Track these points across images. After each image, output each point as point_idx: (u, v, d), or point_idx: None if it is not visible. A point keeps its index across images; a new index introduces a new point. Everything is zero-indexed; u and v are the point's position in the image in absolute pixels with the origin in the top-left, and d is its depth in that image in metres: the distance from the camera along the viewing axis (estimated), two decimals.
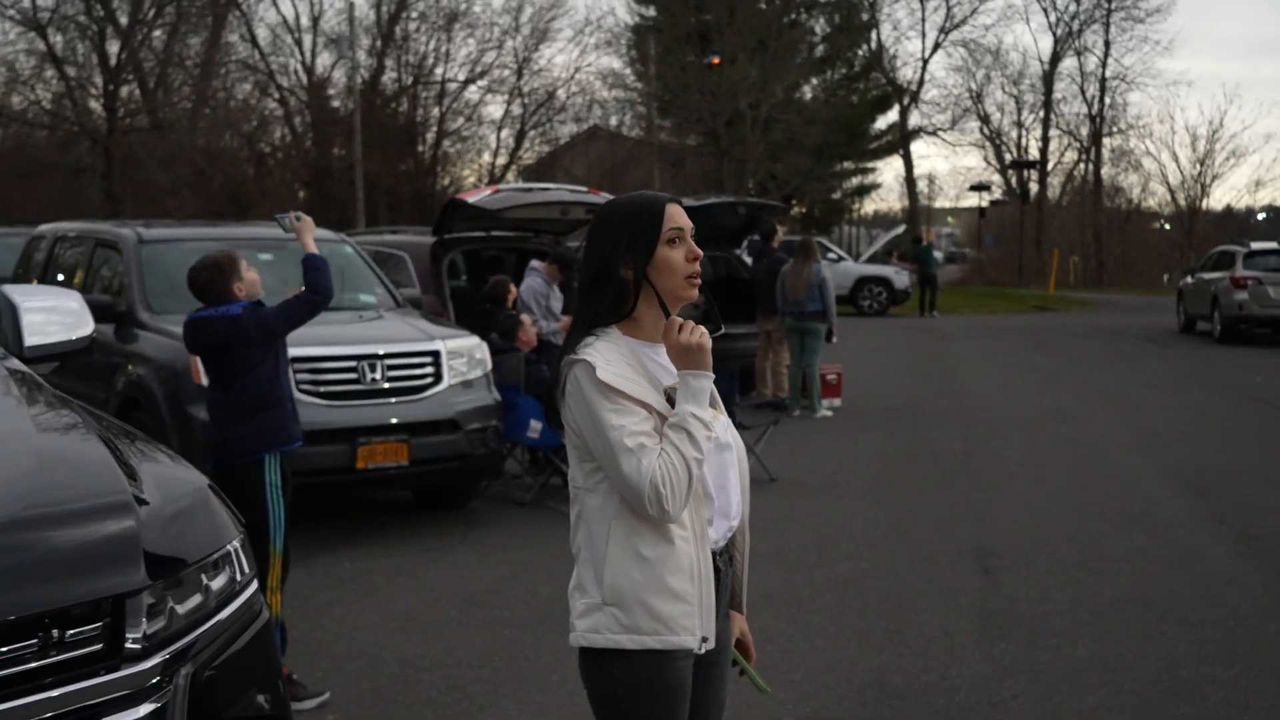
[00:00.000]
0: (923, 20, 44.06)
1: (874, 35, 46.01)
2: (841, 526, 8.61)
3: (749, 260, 15.65)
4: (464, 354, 8.49)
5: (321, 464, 7.73)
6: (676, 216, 2.82)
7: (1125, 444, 12.05)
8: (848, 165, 46.80)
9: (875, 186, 51.86)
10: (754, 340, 14.30)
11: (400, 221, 32.67)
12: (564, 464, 9.44)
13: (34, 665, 2.15)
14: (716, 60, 36.57)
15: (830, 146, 39.12)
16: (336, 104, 41.76)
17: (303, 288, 5.46)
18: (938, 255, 33.78)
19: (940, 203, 76.57)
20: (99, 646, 2.25)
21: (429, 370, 8.24)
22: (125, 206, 33.11)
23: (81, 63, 36.73)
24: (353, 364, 7.92)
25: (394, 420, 7.96)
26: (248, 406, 5.26)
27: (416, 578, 7.34)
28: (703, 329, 2.76)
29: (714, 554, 2.87)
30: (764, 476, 9.93)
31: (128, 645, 2.29)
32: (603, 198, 12.16)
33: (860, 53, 45.96)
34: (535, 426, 9.01)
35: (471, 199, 11.15)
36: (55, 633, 2.19)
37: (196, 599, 2.48)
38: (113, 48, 36.18)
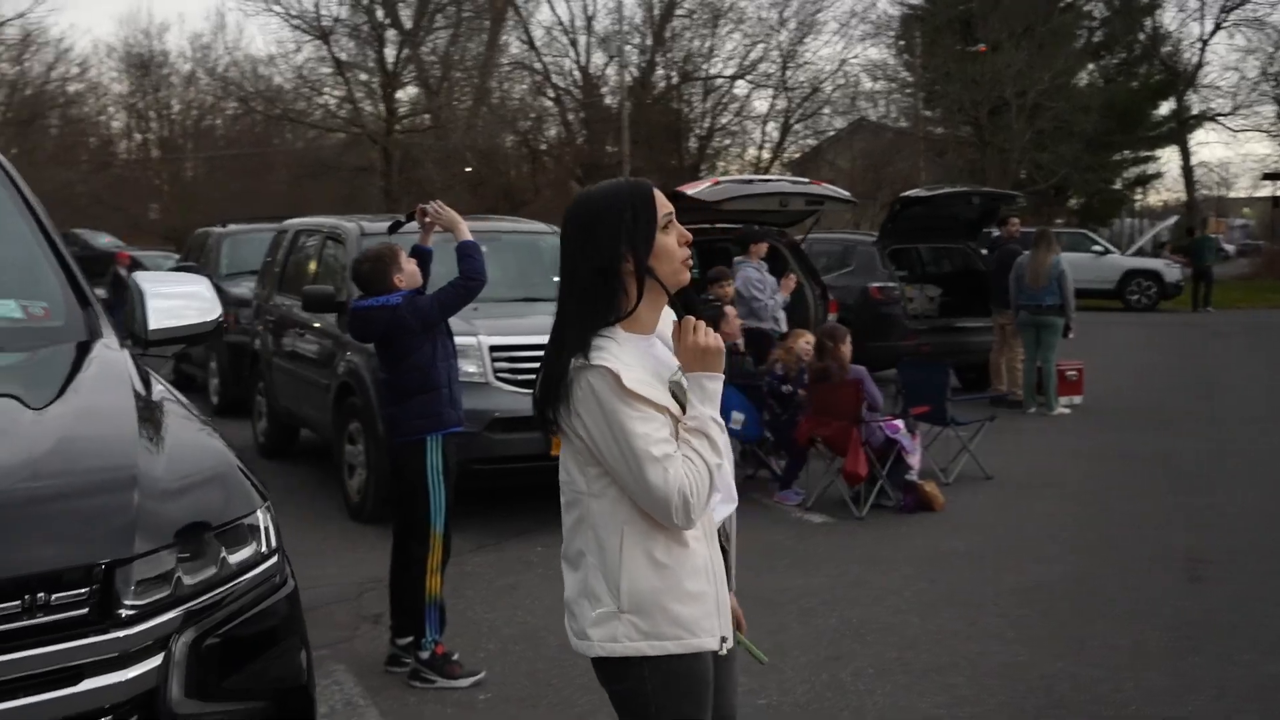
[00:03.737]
0: (1202, 1, 41.60)
1: (1150, 20, 43.73)
2: (1047, 528, 8.27)
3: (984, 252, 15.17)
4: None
5: (518, 451, 7.93)
6: (664, 201, 2.75)
7: None
8: (1127, 154, 44.74)
9: (1156, 176, 49.27)
10: (987, 334, 13.86)
11: None
12: (769, 456, 9.43)
13: (18, 625, 2.30)
14: (983, 49, 35.56)
15: (1105, 135, 37.46)
16: (609, 101, 42.55)
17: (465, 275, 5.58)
18: (1228, 248, 31.70)
19: (1235, 192, 72.23)
20: (86, 611, 2.38)
21: None
22: (402, 204, 34.66)
23: (368, 67, 38.63)
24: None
25: None
26: (407, 389, 5.46)
27: None
28: (716, 332, 2.70)
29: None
30: (978, 474, 9.63)
31: (119, 611, 2.42)
32: (826, 189, 12.04)
33: (1140, 36, 43.79)
34: (737, 418, 8.97)
35: (690, 191, 11.22)
36: (42, 596, 2.34)
37: (210, 570, 2.60)
38: (391, 53, 37.93)
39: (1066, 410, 13.06)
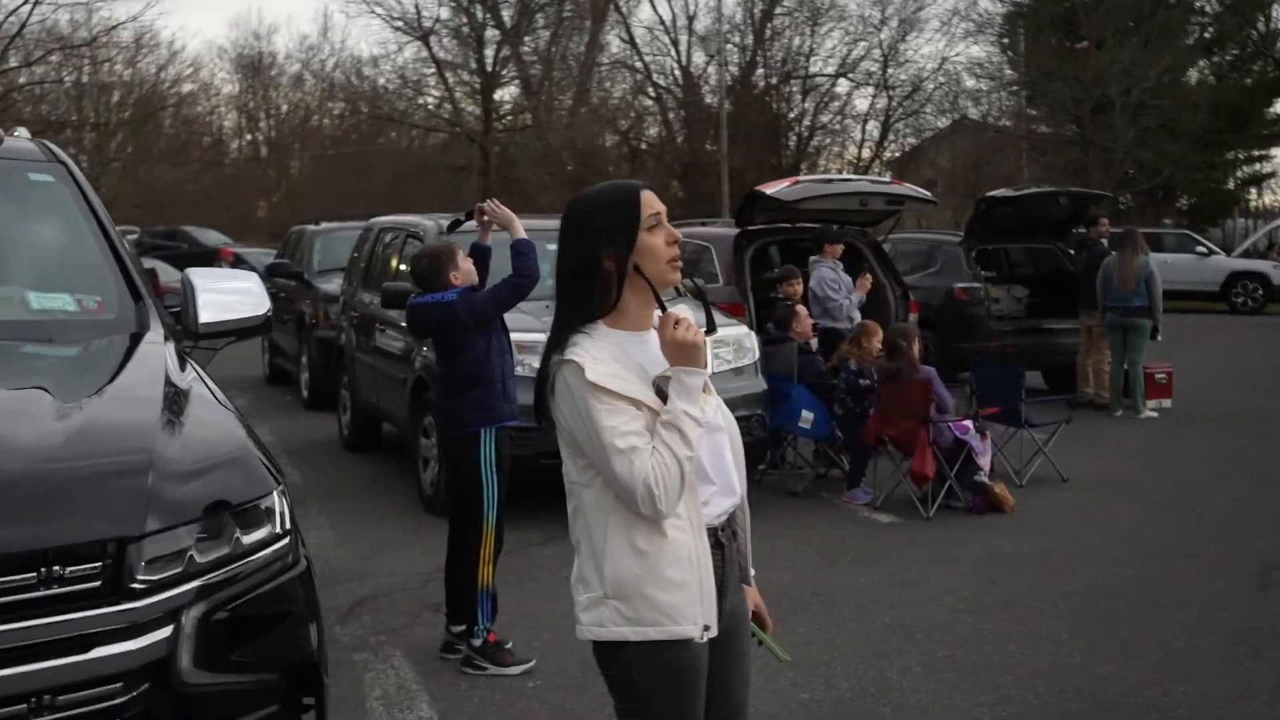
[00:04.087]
0: None
1: (1264, 16, 42.54)
2: (1120, 531, 8.18)
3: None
4: (730, 342, 8.61)
5: None
6: (652, 202, 2.83)
7: None
8: (1239, 154, 43.58)
9: (1270, 176, 47.91)
10: (1075, 336, 13.68)
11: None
12: (839, 455, 9.43)
13: (33, 595, 2.47)
14: (1088, 46, 34.93)
15: (1215, 133, 36.56)
16: (710, 100, 42.59)
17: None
18: None
19: None
20: (98, 584, 2.55)
21: None
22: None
23: (468, 67, 39.14)
24: None
25: None
26: (461, 383, 5.60)
27: None
28: (697, 326, 2.75)
29: (718, 530, 2.88)
30: (1054, 477, 9.54)
31: (130, 585, 2.58)
32: (907, 189, 11.99)
33: (1253, 33, 42.66)
34: (807, 417, 9.01)
35: (768, 190, 11.24)
36: (58, 569, 2.51)
37: (224, 549, 2.75)
38: (490, 53, 38.38)
39: (1154, 414, 12.84)
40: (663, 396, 2.77)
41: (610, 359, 2.72)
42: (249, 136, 51.00)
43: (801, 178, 12.09)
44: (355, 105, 41.65)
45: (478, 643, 5.61)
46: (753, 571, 3.15)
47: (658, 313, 2.88)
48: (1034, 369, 13.98)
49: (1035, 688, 5.39)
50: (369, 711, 5.17)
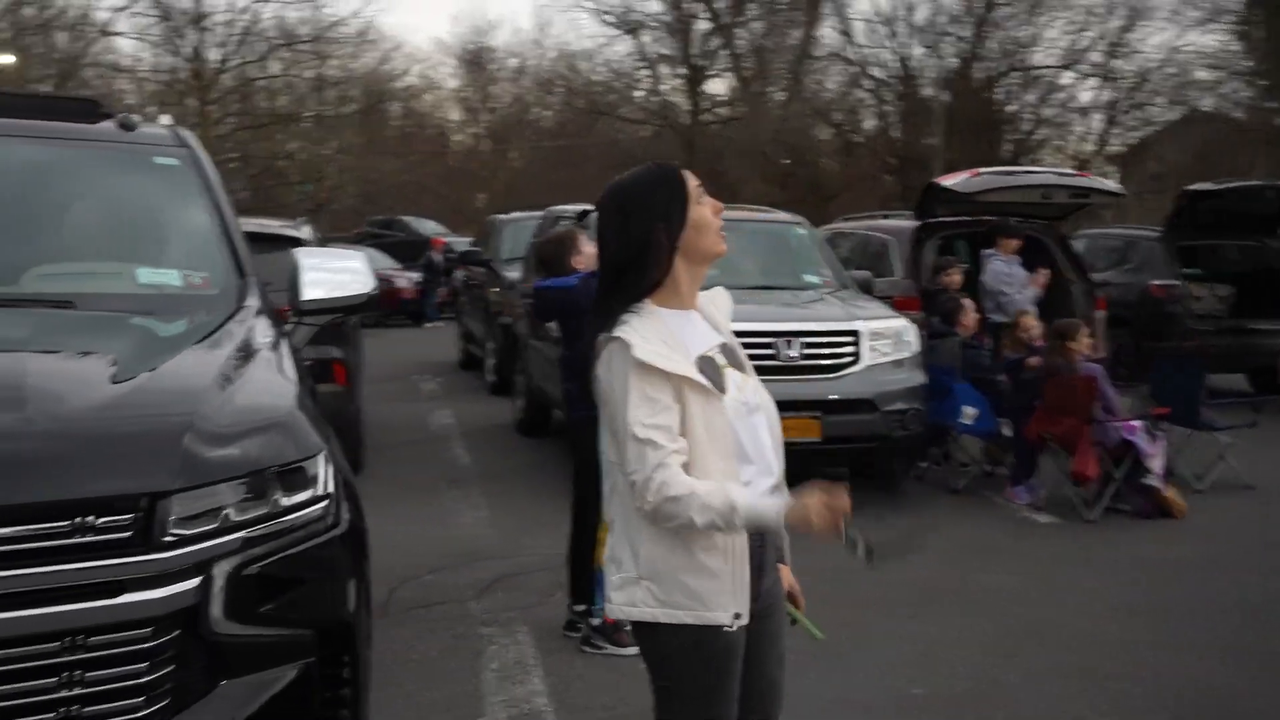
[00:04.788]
0: None
1: None
2: None
3: None
4: (889, 335, 8.49)
5: None
6: (692, 177, 2.86)
7: None
8: None
9: None
10: (1278, 337, 12.97)
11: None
12: (1006, 452, 9.19)
13: (66, 543, 2.66)
14: None
15: None
16: (928, 92, 41.82)
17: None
18: None
19: None
20: (129, 534, 2.71)
21: (848, 350, 8.32)
22: None
23: (677, 59, 39.41)
24: (768, 340, 8.15)
25: (806, 396, 8.10)
26: (580, 367, 5.66)
27: (803, 550, 7.43)
28: (846, 508, 2.70)
29: None
30: (1238, 482, 9.09)
31: (163, 538, 2.73)
32: (1094, 182, 11.58)
33: None
34: (969, 412, 8.80)
35: (947, 182, 11.02)
36: (91, 519, 2.68)
37: (262, 508, 2.88)
38: (698, 45, 38.55)
39: None
40: (705, 374, 2.79)
41: (657, 339, 2.75)
42: (471, 130, 52.42)
43: (982, 170, 11.78)
44: (571, 100, 42.38)
45: (596, 622, 5.69)
46: (789, 553, 3.13)
47: (725, 297, 3.05)
48: (1235, 370, 13.34)
49: (1164, 701, 5.16)
50: (483, 682, 5.30)
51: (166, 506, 2.73)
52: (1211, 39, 49.96)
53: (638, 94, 40.50)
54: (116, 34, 34.02)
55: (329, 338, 9.09)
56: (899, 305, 10.64)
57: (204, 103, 31.17)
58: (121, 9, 32.71)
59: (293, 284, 4.22)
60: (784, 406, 8.58)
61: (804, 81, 42.15)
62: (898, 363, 8.49)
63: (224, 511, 2.81)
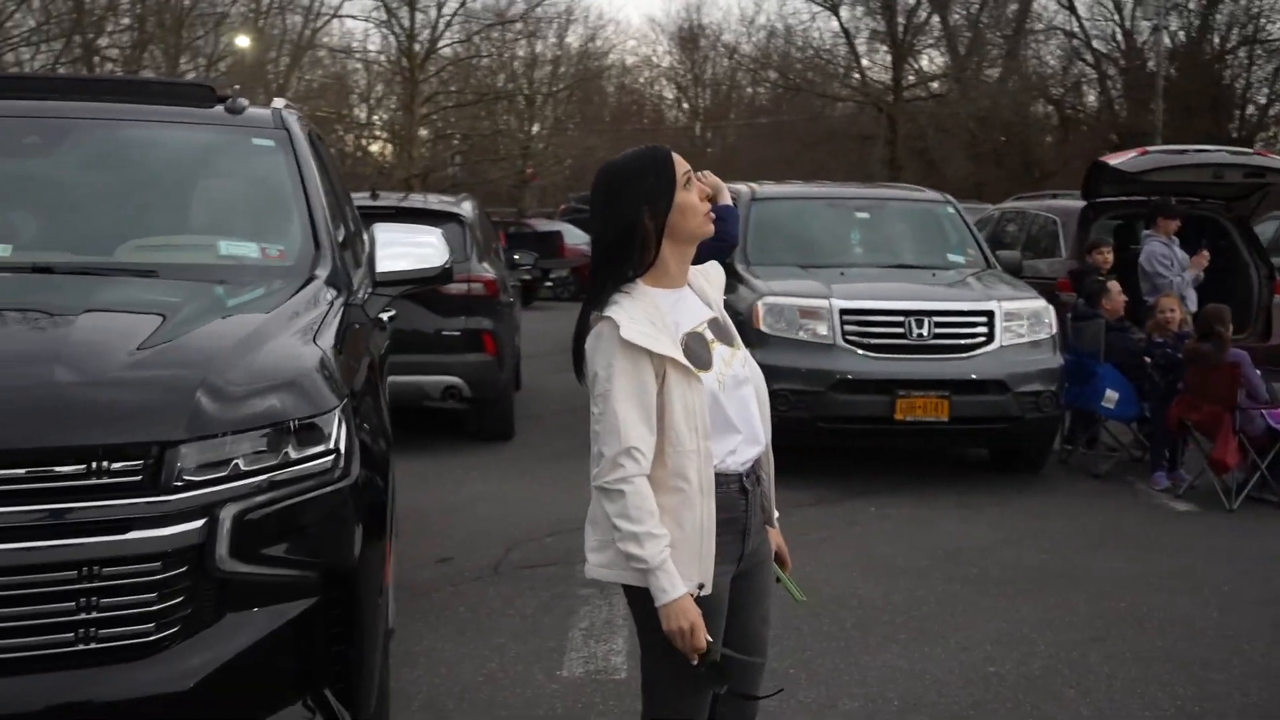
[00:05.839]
0: None
1: None
2: None
3: None
4: (1025, 316, 8.41)
5: (861, 412, 8.15)
6: (681, 162, 3.01)
7: None
8: None
9: None
10: None
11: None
12: (1146, 439, 8.99)
13: (81, 484, 2.98)
14: None
15: None
16: (1152, 66, 40.17)
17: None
18: None
19: None
20: (139, 479, 3.01)
21: (981, 330, 8.28)
22: (904, 173, 34.76)
23: (880, 35, 38.96)
24: (899, 319, 8.19)
25: (935, 376, 8.11)
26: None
27: (923, 526, 7.49)
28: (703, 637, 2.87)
29: (743, 476, 3.04)
30: None
31: (172, 484, 3.03)
32: (1273, 160, 11.12)
33: None
34: (1111, 396, 8.64)
35: (1113, 161, 10.75)
36: (106, 464, 2.99)
37: (271, 459, 3.16)
38: (902, 20, 37.99)
39: None
40: (689, 353, 2.97)
41: (645, 319, 2.91)
42: (686, 107, 52.77)
43: (1151, 148, 11.42)
44: (784, 76, 42.26)
45: None
46: (776, 514, 3.26)
47: (718, 272, 3.24)
48: None
49: (1248, 688, 5.08)
50: (569, 640, 5.56)
51: (176, 454, 3.03)
52: None
53: (840, 70, 40.13)
54: (347, 16, 35.36)
55: (482, 310, 9.51)
56: (1061, 287, 10.48)
57: (415, 81, 32.20)
58: None
59: (369, 257, 4.53)
60: (913, 385, 8.61)
61: (1021, 56, 41.01)
62: (1034, 344, 8.41)
63: (234, 461, 3.10)
